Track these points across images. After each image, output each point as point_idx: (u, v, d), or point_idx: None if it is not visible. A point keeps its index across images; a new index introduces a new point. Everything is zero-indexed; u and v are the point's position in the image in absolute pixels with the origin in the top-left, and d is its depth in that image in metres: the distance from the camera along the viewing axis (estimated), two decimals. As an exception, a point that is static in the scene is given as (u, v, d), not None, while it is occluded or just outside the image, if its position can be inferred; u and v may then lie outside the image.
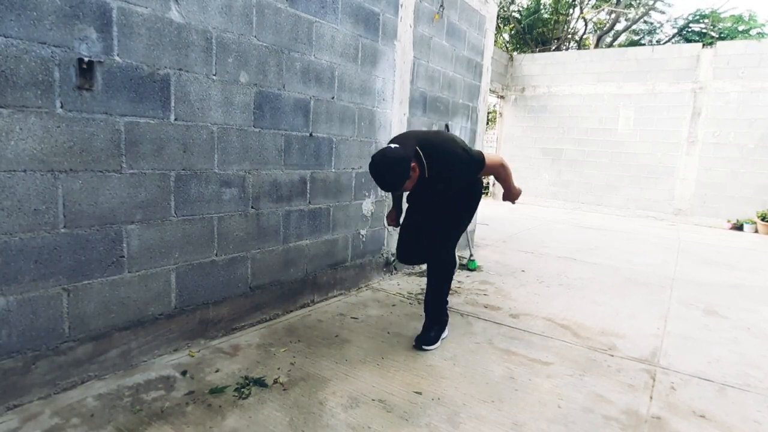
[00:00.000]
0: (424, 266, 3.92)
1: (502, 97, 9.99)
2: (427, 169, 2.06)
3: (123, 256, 1.87)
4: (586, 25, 13.08)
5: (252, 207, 2.38)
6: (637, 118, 8.55)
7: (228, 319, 2.34)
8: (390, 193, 2.45)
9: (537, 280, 3.73)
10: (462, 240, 4.12)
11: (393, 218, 2.61)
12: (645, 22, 12.82)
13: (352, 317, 2.69)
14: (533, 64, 9.65)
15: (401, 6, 3.25)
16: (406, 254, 2.43)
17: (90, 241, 1.76)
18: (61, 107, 1.62)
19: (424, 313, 2.50)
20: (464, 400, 1.85)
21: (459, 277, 3.64)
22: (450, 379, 2.01)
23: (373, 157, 2.00)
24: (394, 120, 3.37)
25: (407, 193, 2.44)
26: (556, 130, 9.41)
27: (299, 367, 2.04)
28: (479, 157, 2.15)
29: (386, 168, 1.95)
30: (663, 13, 11.82)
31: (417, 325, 2.60)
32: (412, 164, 1.98)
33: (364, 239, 3.27)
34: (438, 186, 2.16)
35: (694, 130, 8.07)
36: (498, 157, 2.24)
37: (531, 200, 9.83)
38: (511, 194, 2.39)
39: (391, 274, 3.62)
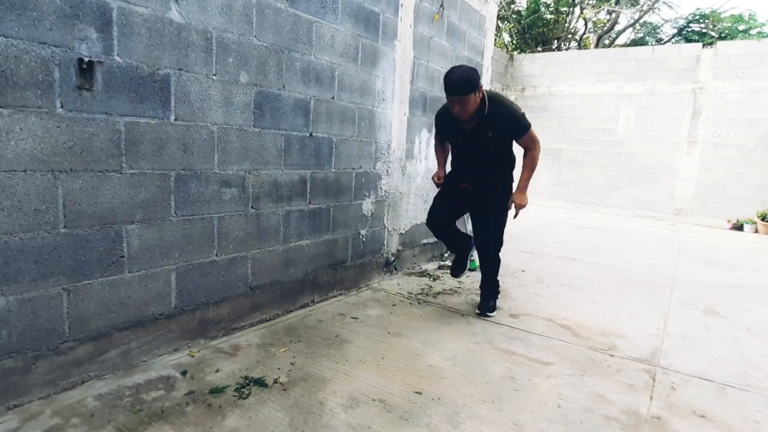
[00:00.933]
0: (425, 266, 3.93)
1: (502, 97, 9.97)
2: (487, 107, 2.41)
3: (123, 256, 1.87)
4: (586, 25, 13.08)
5: (252, 207, 2.38)
6: (637, 118, 8.54)
7: (228, 319, 2.34)
8: (434, 152, 2.99)
9: (537, 280, 3.73)
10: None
11: (440, 176, 2.85)
12: (645, 22, 12.82)
13: (352, 317, 2.69)
14: (533, 64, 9.65)
15: (401, 6, 3.25)
16: (437, 219, 2.80)
17: (90, 241, 1.76)
18: (61, 107, 1.62)
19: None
20: (464, 400, 1.85)
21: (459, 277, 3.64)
22: (450, 379, 2.01)
23: (452, 68, 2.36)
24: (394, 120, 3.37)
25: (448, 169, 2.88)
26: (556, 130, 9.41)
27: (299, 367, 2.04)
28: (529, 122, 2.53)
29: (463, 71, 2.31)
30: (671, 7, 11.75)
31: (417, 325, 2.60)
32: (480, 86, 2.33)
33: (364, 239, 3.27)
34: (488, 133, 2.48)
35: (694, 130, 8.07)
36: (537, 142, 2.61)
37: (531, 200, 9.80)
38: (522, 190, 2.67)
39: (391, 274, 3.62)
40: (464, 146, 2.69)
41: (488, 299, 2.88)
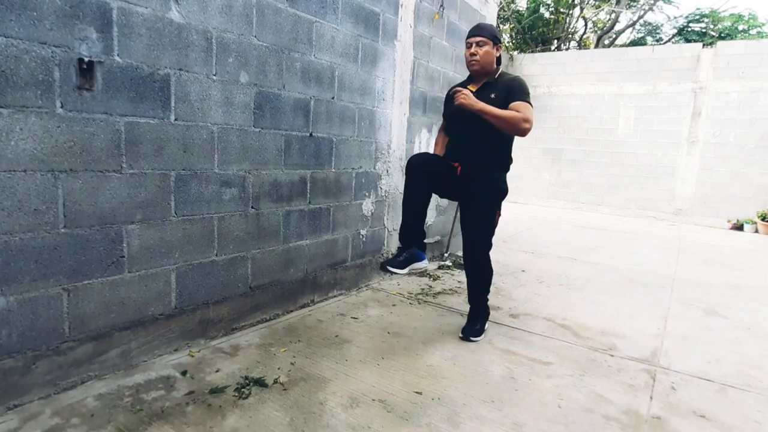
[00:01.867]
0: (424, 264, 3.88)
1: (502, 97, 9.97)
2: (498, 74, 2.44)
3: (123, 256, 1.87)
4: (586, 24, 13.08)
5: (252, 207, 2.38)
6: (638, 118, 8.54)
7: (228, 319, 2.34)
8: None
9: (537, 280, 3.73)
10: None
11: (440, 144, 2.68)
12: (645, 22, 12.81)
13: (352, 317, 2.69)
14: (533, 64, 9.65)
15: (401, 6, 3.25)
16: (423, 161, 2.42)
17: (90, 241, 1.76)
18: (62, 107, 1.62)
19: (469, 305, 2.61)
20: (464, 400, 1.85)
21: (459, 276, 3.64)
22: (450, 379, 2.01)
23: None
24: (394, 120, 3.37)
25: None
26: (557, 130, 9.41)
27: (299, 367, 2.04)
28: (529, 99, 2.39)
29: (488, 23, 2.50)
30: (677, 7, 11.73)
31: (417, 326, 2.60)
32: (499, 44, 2.42)
33: (364, 239, 3.27)
34: (491, 94, 2.37)
35: (694, 130, 8.07)
36: (532, 119, 2.41)
37: (531, 200, 9.82)
38: (481, 105, 2.28)
39: (392, 275, 3.62)
40: (463, 114, 2.36)
41: (475, 320, 2.51)
